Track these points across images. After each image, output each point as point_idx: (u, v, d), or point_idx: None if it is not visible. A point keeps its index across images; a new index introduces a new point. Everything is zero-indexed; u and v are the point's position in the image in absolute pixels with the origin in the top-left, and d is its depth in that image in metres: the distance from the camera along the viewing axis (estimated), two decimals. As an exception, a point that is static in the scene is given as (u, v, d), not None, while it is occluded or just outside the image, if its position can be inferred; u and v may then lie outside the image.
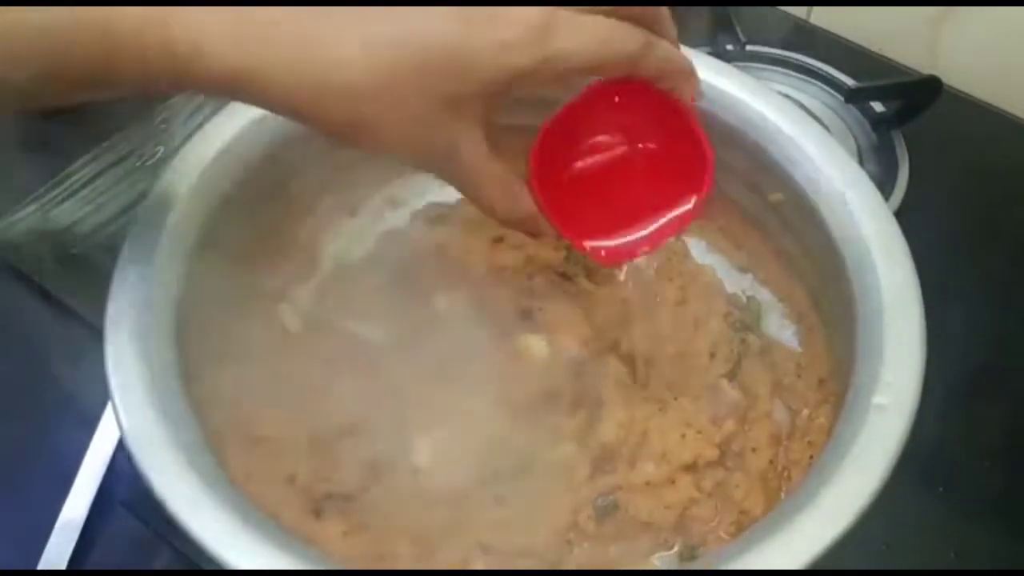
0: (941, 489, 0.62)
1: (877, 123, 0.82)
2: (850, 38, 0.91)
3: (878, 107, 0.82)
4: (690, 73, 0.46)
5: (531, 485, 0.54)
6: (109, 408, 0.59)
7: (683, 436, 0.55)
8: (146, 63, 0.40)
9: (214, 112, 0.60)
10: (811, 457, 0.55)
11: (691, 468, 0.54)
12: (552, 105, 0.66)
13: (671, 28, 0.46)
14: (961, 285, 0.69)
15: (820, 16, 0.92)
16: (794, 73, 0.86)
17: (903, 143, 0.80)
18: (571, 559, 0.53)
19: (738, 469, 0.56)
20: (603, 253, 0.50)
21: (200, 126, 0.59)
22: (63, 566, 0.57)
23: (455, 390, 0.57)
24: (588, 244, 0.50)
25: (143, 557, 0.58)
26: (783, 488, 0.56)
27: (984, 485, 0.63)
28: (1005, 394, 0.68)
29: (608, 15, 0.42)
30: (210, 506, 0.44)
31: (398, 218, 0.68)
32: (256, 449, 0.55)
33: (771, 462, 0.56)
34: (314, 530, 0.52)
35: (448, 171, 0.46)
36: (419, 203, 0.69)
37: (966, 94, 0.86)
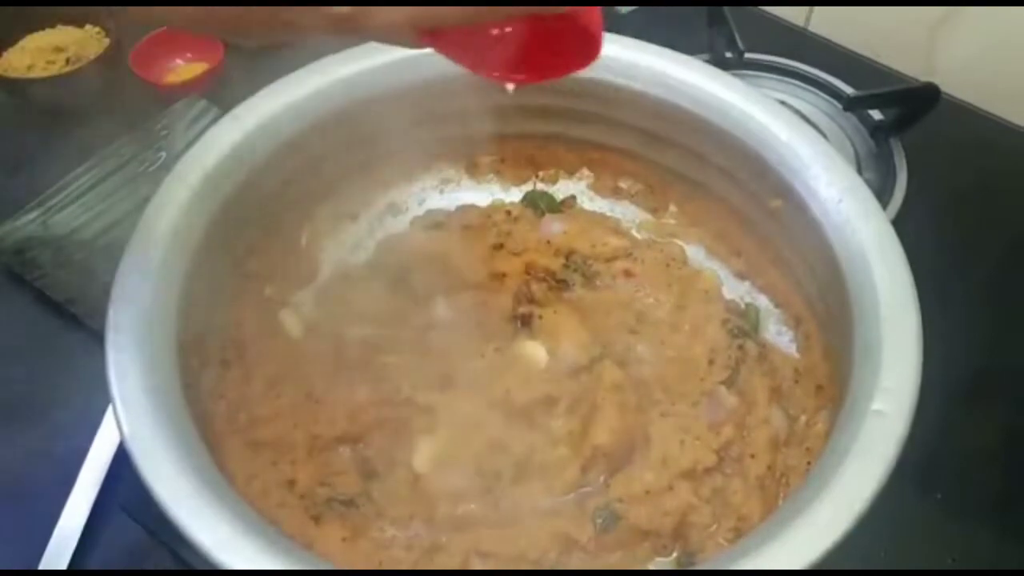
0: (939, 495, 0.62)
1: (875, 130, 0.82)
2: (848, 46, 0.92)
3: (876, 115, 0.83)
4: None
5: (529, 490, 0.55)
6: (109, 413, 0.59)
7: (682, 442, 0.55)
8: None
9: (215, 119, 0.60)
10: (809, 463, 0.55)
11: (689, 474, 0.55)
12: (529, 113, 0.67)
13: None
14: (958, 291, 0.70)
15: (818, 24, 0.93)
16: (792, 81, 0.86)
17: (901, 150, 0.80)
18: (570, 566, 0.53)
19: (736, 475, 0.56)
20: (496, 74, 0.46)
21: (202, 133, 0.59)
22: (63, 569, 0.57)
23: (454, 396, 0.57)
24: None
25: (142, 561, 0.59)
26: (781, 494, 0.56)
27: (982, 490, 0.63)
28: (1003, 399, 0.68)
29: None
30: (210, 511, 0.44)
31: (398, 224, 0.69)
32: (256, 454, 0.55)
33: (769, 468, 0.56)
34: (314, 536, 0.52)
35: None
36: (419, 210, 0.70)
37: (964, 102, 0.86)
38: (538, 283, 0.63)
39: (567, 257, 0.64)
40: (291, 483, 0.54)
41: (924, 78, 0.84)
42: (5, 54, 0.85)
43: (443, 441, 0.56)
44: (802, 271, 0.61)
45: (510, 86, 0.47)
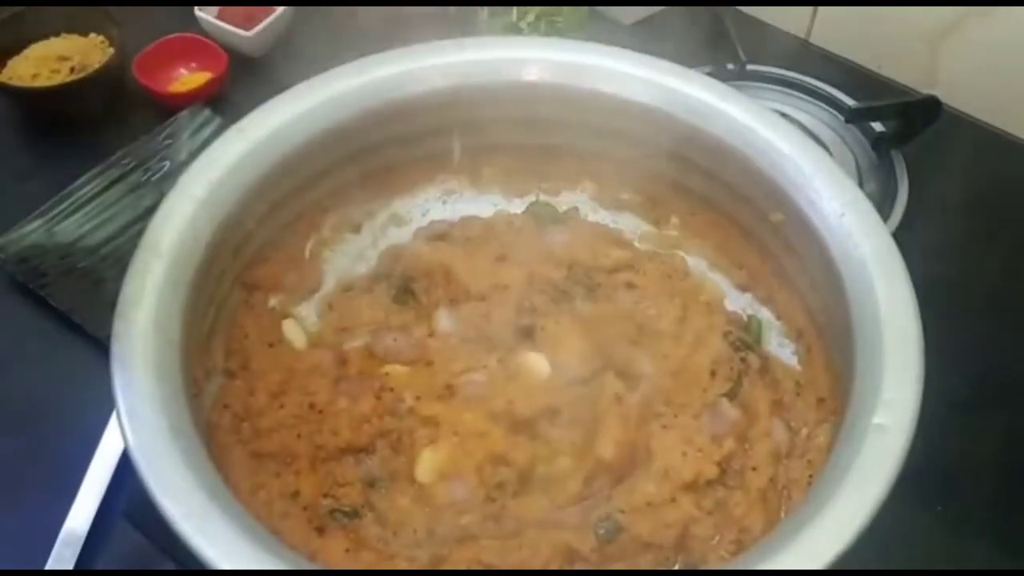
0: (940, 508, 0.62)
1: (877, 142, 0.82)
2: (850, 58, 0.92)
3: (878, 127, 0.83)
4: None
5: (532, 502, 0.55)
6: (113, 421, 0.59)
7: (683, 454, 0.55)
8: None
9: (219, 128, 0.61)
10: (811, 476, 0.55)
11: (691, 487, 0.55)
12: (533, 125, 0.67)
13: None
14: (959, 303, 0.70)
15: (820, 36, 0.93)
16: (794, 93, 0.86)
17: (903, 163, 0.80)
18: (572, 576, 0.53)
19: (738, 487, 0.56)
20: None
21: (205, 142, 0.60)
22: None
23: (457, 407, 0.58)
24: None
25: (145, 569, 0.59)
26: (783, 507, 0.56)
27: (983, 503, 0.63)
28: (1004, 411, 0.68)
29: None
30: (213, 520, 0.44)
31: (401, 235, 0.69)
32: (260, 465, 0.55)
33: (771, 480, 0.56)
34: (317, 547, 0.52)
35: None
36: (422, 221, 0.70)
37: (965, 114, 0.87)
38: (540, 294, 0.63)
39: (569, 268, 0.65)
40: (295, 494, 0.54)
41: (926, 90, 0.84)
42: (10, 63, 0.85)
43: (446, 452, 0.56)
44: (804, 284, 0.61)
45: None
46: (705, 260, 0.68)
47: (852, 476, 0.46)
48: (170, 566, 0.57)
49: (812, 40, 0.94)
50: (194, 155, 0.59)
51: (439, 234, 0.68)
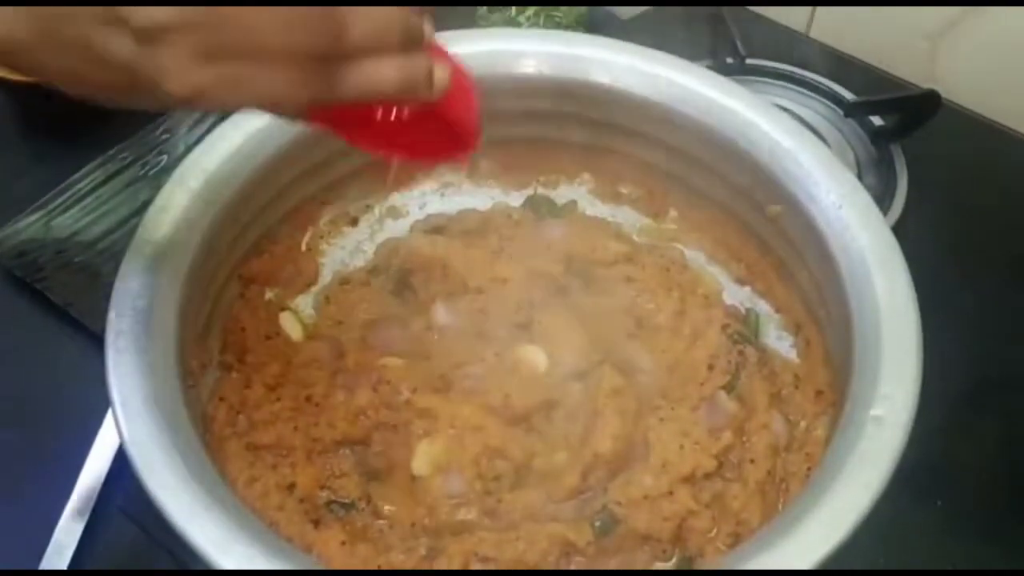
0: (939, 503, 0.62)
1: (876, 137, 0.82)
2: (849, 52, 0.92)
3: (877, 121, 0.83)
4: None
5: (529, 495, 0.55)
6: (109, 415, 0.59)
7: (681, 447, 0.55)
8: None
9: (217, 123, 0.60)
10: (809, 469, 0.55)
11: (689, 479, 0.54)
12: (531, 118, 0.66)
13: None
14: (958, 297, 0.70)
15: (820, 30, 0.93)
16: (793, 87, 0.86)
17: (902, 157, 0.80)
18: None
19: (736, 480, 0.56)
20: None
21: (203, 136, 0.59)
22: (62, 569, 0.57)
23: (454, 400, 0.57)
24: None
25: (141, 563, 0.59)
26: (781, 500, 0.56)
27: (983, 498, 0.63)
28: (1003, 406, 0.68)
29: None
30: (209, 514, 0.44)
31: (399, 228, 0.69)
32: (256, 457, 0.55)
33: (769, 473, 0.56)
34: (313, 539, 0.52)
35: None
36: (419, 214, 0.70)
37: (965, 108, 0.86)
38: (538, 288, 0.63)
39: (567, 262, 0.64)
40: (291, 486, 0.54)
41: (925, 84, 0.84)
42: (8, 57, 0.85)
43: (442, 445, 0.56)
44: (802, 277, 0.61)
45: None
46: (703, 253, 0.67)
47: (850, 469, 0.45)
48: (166, 561, 0.57)
49: (812, 34, 0.94)
50: (192, 150, 0.59)
51: (437, 227, 0.68)
